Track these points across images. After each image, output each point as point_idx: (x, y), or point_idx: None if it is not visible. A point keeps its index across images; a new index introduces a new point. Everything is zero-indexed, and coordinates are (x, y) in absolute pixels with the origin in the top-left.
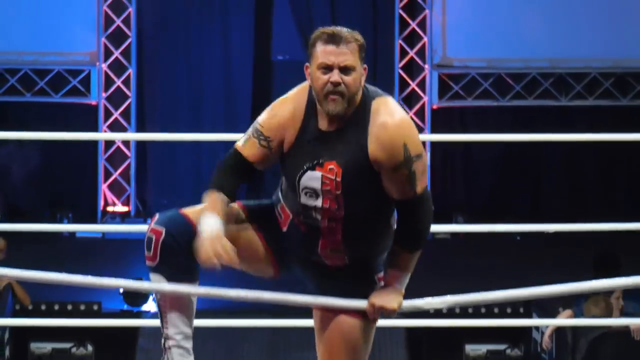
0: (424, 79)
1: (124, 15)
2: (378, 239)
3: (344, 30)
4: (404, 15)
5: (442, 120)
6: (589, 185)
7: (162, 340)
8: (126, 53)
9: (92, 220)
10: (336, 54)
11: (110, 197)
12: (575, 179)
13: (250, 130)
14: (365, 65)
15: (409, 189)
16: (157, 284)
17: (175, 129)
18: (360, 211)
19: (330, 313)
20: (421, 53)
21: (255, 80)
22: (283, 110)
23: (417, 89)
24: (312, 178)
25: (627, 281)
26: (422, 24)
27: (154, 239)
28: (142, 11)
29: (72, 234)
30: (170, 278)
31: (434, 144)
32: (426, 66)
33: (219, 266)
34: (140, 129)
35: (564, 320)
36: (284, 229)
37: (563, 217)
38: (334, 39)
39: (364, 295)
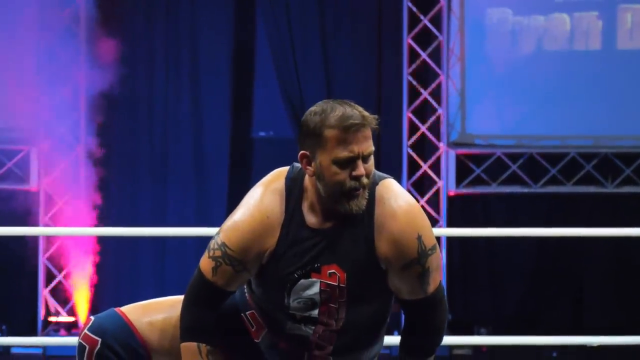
0: (438, 159)
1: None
2: (374, 344)
3: (359, 109)
4: (414, 82)
5: (460, 210)
6: None
7: None
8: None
9: (31, 332)
10: (359, 142)
11: (53, 304)
12: (624, 281)
13: (217, 251)
14: None
15: (421, 289)
16: None
17: (136, 224)
18: (362, 318)
19: None
20: (435, 128)
21: (232, 161)
22: (252, 225)
23: (429, 172)
24: (307, 287)
25: None
26: (435, 93)
27: (87, 350)
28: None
29: (6, 349)
30: None
31: (450, 240)
32: (441, 144)
33: None
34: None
35: None
36: (257, 340)
37: (609, 328)
38: (355, 123)
39: None
